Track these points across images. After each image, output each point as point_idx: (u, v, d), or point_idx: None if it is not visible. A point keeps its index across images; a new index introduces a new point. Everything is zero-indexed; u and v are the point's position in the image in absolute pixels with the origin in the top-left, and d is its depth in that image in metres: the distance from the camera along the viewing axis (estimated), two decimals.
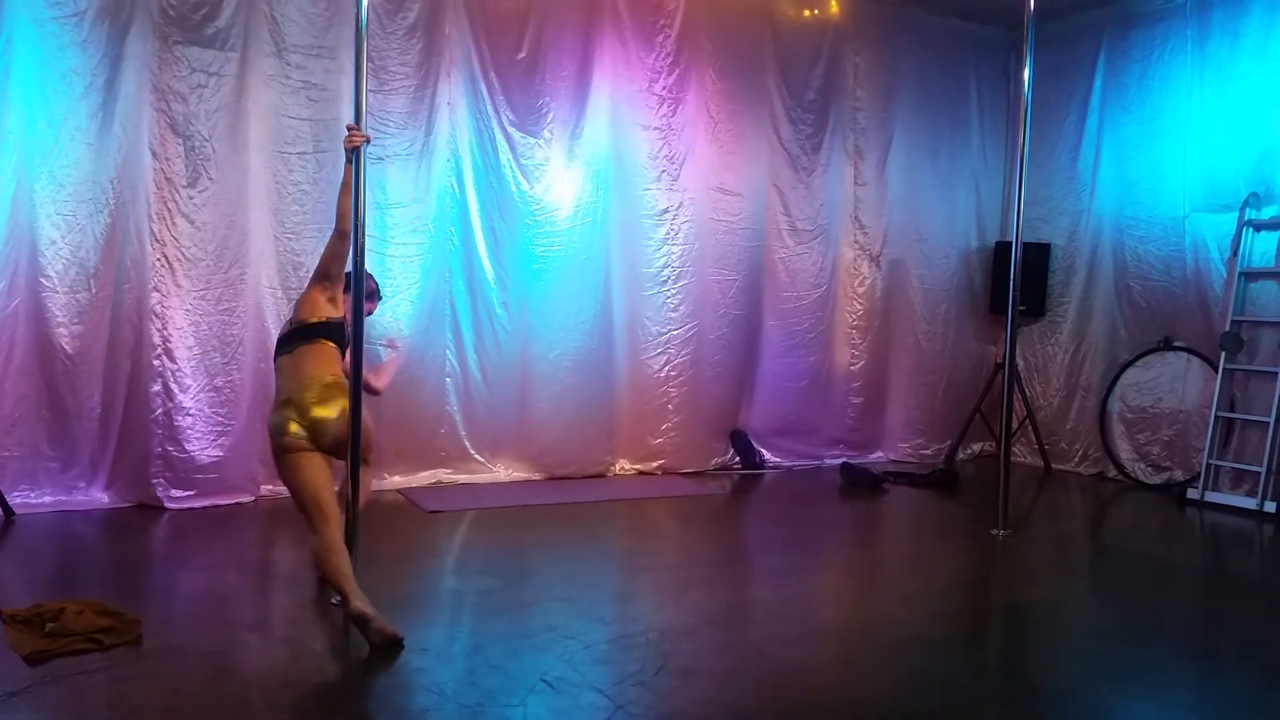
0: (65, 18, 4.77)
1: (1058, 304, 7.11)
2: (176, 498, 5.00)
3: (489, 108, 5.80)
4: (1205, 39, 6.28)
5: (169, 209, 4.98)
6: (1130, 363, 6.62)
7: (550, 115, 5.96)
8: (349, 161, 3.59)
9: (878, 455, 7.19)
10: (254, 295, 5.24)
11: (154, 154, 4.95)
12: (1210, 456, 5.98)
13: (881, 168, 7.05)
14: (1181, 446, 6.35)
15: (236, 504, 5.14)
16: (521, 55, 5.86)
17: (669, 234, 6.35)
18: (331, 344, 3.77)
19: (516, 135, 5.88)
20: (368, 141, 3.61)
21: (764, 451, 6.77)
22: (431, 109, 5.63)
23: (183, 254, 5.00)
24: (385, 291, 5.45)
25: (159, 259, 4.97)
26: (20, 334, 4.79)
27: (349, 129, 3.58)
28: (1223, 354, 6.03)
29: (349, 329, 3.73)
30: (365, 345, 3.82)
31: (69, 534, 4.60)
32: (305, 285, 5.33)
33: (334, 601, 3.65)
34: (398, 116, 5.54)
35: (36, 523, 4.67)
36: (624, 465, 6.38)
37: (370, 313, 4.14)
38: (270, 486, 5.34)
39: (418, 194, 5.64)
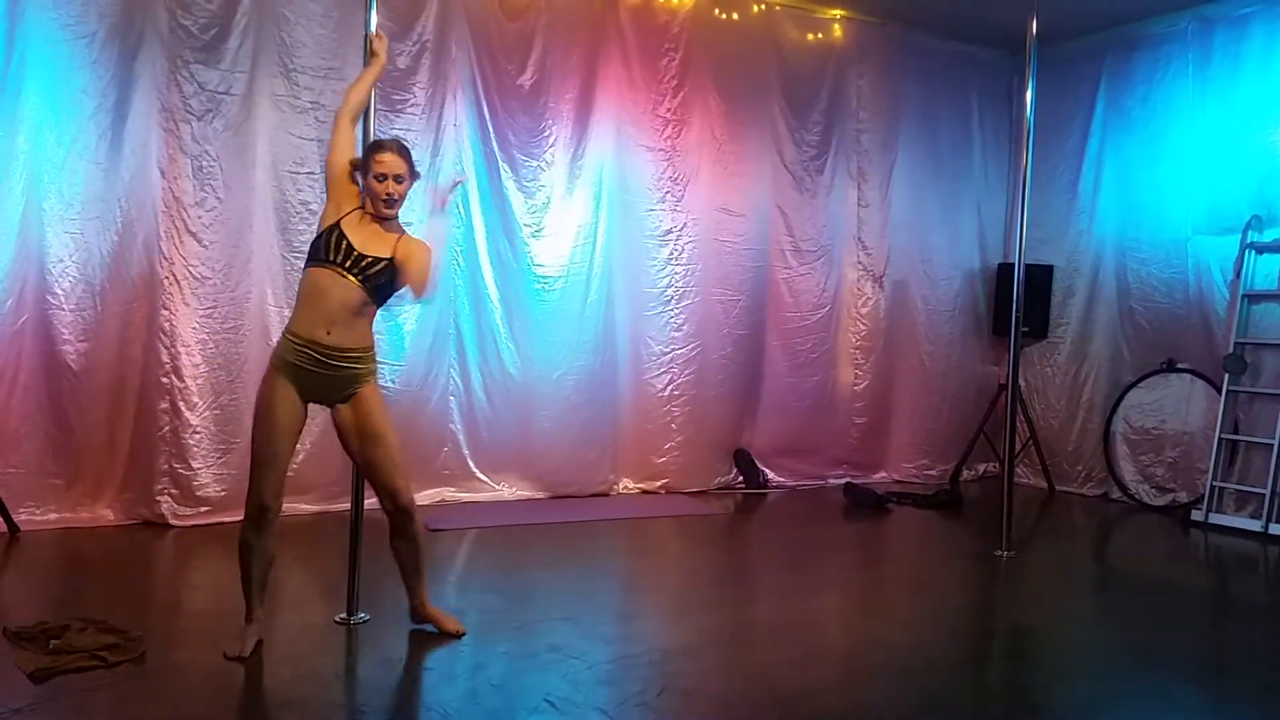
0: (76, 39, 4.81)
1: (1060, 325, 7.12)
2: (182, 515, 5.01)
3: (494, 129, 5.84)
4: (1207, 62, 6.31)
5: (177, 227, 5.01)
6: (1133, 384, 6.63)
7: (554, 137, 6.00)
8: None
9: (881, 475, 7.18)
10: (260, 314, 5.27)
11: (162, 173, 5.00)
12: (1214, 478, 5.98)
13: (884, 189, 7.09)
14: (1185, 468, 6.34)
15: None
16: (526, 77, 5.91)
17: (673, 254, 6.38)
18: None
19: (520, 156, 5.92)
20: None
21: (767, 471, 6.77)
22: (438, 130, 5.67)
23: (190, 272, 5.03)
24: (390, 313, 5.48)
25: (166, 277, 5.00)
26: (27, 350, 4.82)
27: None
28: (1226, 376, 6.04)
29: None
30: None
31: (74, 551, 4.61)
32: None
33: (337, 619, 3.66)
34: (404, 137, 5.56)
35: (41, 540, 4.68)
36: (627, 484, 6.38)
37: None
38: None
39: (423, 215, 5.67)
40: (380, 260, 3.31)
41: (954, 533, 5.90)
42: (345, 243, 3.29)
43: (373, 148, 3.43)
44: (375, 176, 3.36)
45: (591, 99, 6.11)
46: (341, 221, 3.34)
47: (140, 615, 3.64)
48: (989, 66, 7.42)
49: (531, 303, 5.99)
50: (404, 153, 3.43)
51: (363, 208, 3.41)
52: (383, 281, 3.33)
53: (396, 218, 3.45)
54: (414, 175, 3.50)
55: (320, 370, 3.29)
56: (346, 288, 3.27)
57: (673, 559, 5.16)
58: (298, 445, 5.25)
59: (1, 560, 4.40)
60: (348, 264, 3.27)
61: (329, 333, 3.27)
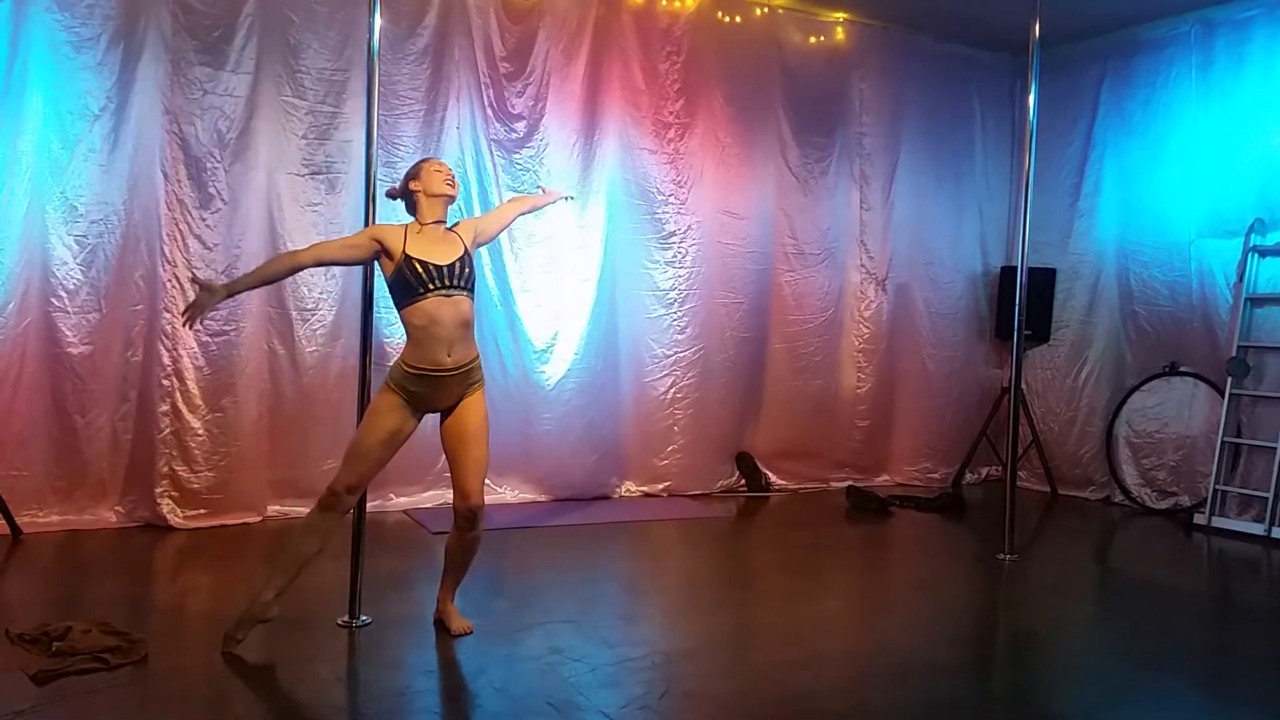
0: (80, 42, 4.82)
1: (1063, 329, 7.11)
2: (184, 517, 5.01)
3: (496, 132, 5.85)
4: (1209, 65, 6.31)
5: (180, 230, 5.02)
6: (1136, 388, 6.62)
7: (557, 140, 5.99)
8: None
9: (884, 479, 7.18)
10: (262, 317, 5.27)
11: (166, 175, 5.00)
12: (1217, 482, 5.97)
13: (887, 192, 7.09)
14: (1188, 472, 6.34)
15: (243, 524, 5.15)
16: (529, 80, 5.92)
17: (676, 257, 6.38)
18: None
19: (522, 159, 5.92)
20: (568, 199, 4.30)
21: (770, 474, 6.76)
22: (440, 133, 5.67)
23: (193, 274, 5.03)
24: (397, 314, 5.47)
25: (170, 280, 5.01)
26: (31, 353, 4.82)
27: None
28: (1229, 379, 6.03)
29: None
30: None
31: (76, 553, 4.61)
32: (317, 305, 5.42)
33: (339, 622, 3.66)
34: (407, 140, 5.59)
35: (44, 542, 4.69)
36: (630, 487, 6.38)
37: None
38: (277, 507, 5.35)
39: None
40: (462, 257, 3.49)
41: (956, 536, 5.90)
42: (428, 265, 3.42)
43: (422, 161, 3.67)
44: (434, 170, 3.59)
45: (594, 102, 6.11)
46: (407, 250, 3.43)
47: (142, 617, 3.65)
48: (991, 69, 7.41)
49: (534, 305, 5.99)
50: None
51: (414, 221, 3.57)
52: (472, 274, 3.53)
53: (448, 209, 3.64)
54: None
55: (440, 389, 3.47)
56: (457, 303, 3.44)
57: (675, 562, 5.16)
58: (299, 446, 5.37)
59: (4, 562, 4.41)
60: (447, 282, 3.43)
61: (449, 354, 3.44)
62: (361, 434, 3.49)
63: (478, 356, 3.58)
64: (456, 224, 3.67)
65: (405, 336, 3.50)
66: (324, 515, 3.46)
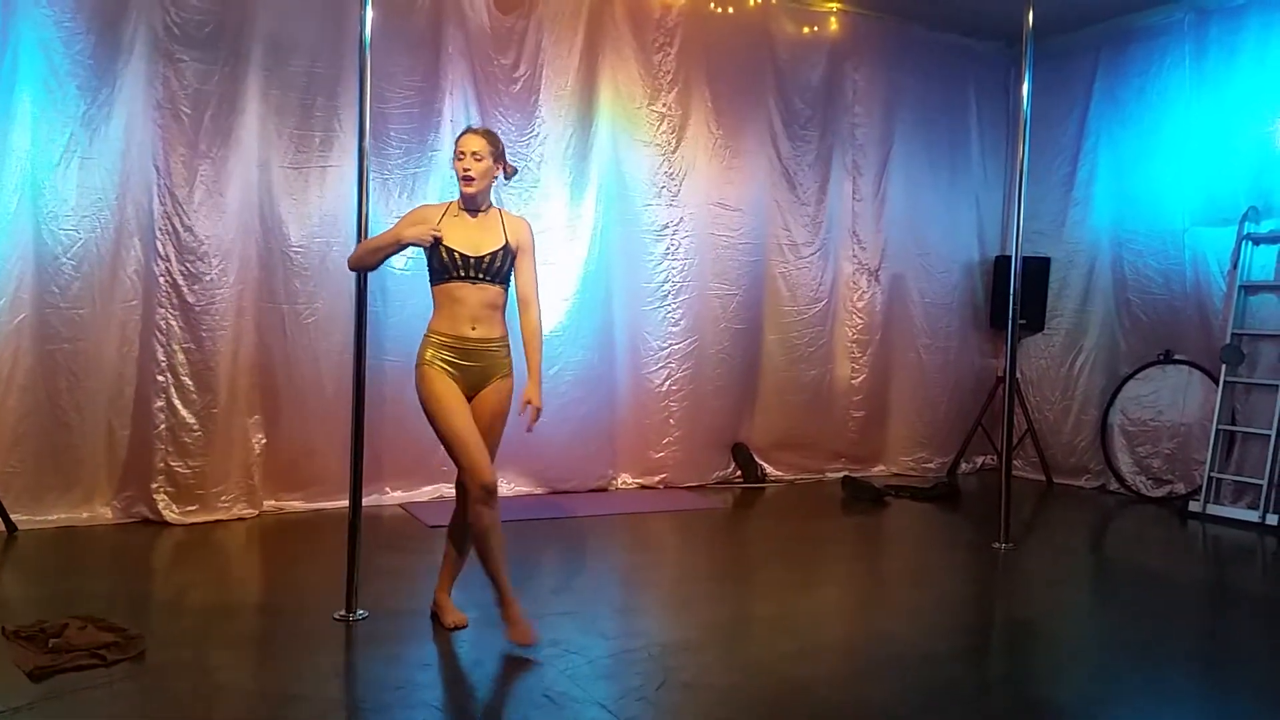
0: (69, 37, 4.79)
1: (1057, 318, 7.12)
2: (179, 513, 5.00)
3: (489, 123, 5.80)
4: (1203, 54, 6.30)
5: (172, 225, 5.00)
6: (1131, 376, 6.63)
7: (549, 132, 5.98)
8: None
9: (879, 469, 7.19)
10: (257, 310, 5.26)
11: (157, 170, 4.98)
12: (1211, 469, 5.99)
13: (880, 183, 7.08)
14: (1183, 459, 6.35)
15: (240, 519, 5.15)
16: (521, 73, 5.90)
17: (669, 249, 6.37)
18: None
19: (515, 152, 5.90)
20: None
21: (765, 465, 6.77)
22: (436, 127, 5.65)
23: (186, 269, 5.01)
24: (392, 307, 5.48)
25: (162, 274, 4.98)
26: (24, 349, 4.80)
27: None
28: (1223, 367, 6.04)
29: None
30: None
31: (72, 550, 4.60)
32: (312, 299, 5.38)
33: (336, 616, 3.66)
34: (399, 134, 5.57)
35: (40, 538, 4.68)
36: (625, 479, 6.39)
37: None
38: (273, 502, 5.35)
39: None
40: (497, 251, 3.50)
41: (952, 525, 5.91)
42: (457, 255, 3.45)
43: (459, 137, 3.60)
44: (455, 157, 3.55)
45: (587, 94, 6.09)
46: (443, 235, 3.45)
47: (139, 613, 3.65)
48: (985, 59, 7.40)
49: None
50: (485, 134, 3.59)
51: (456, 202, 3.57)
52: (508, 267, 3.55)
53: (484, 194, 3.57)
54: (498, 156, 3.58)
55: (469, 362, 3.49)
56: (483, 290, 3.49)
57: (671, 553, 5.17)
58: (295, 442, 5.36)
59: (0, 559, 4.40)
60: (475, 274, 3.47)
61: (474, 329, 3.49)
62: (442, 420, 3.44)
63: (505, 336, 3.59)
64: (514, 220, 3.65)
65: (433, 306, 3.56)
66: (489, 510, 3.41)
